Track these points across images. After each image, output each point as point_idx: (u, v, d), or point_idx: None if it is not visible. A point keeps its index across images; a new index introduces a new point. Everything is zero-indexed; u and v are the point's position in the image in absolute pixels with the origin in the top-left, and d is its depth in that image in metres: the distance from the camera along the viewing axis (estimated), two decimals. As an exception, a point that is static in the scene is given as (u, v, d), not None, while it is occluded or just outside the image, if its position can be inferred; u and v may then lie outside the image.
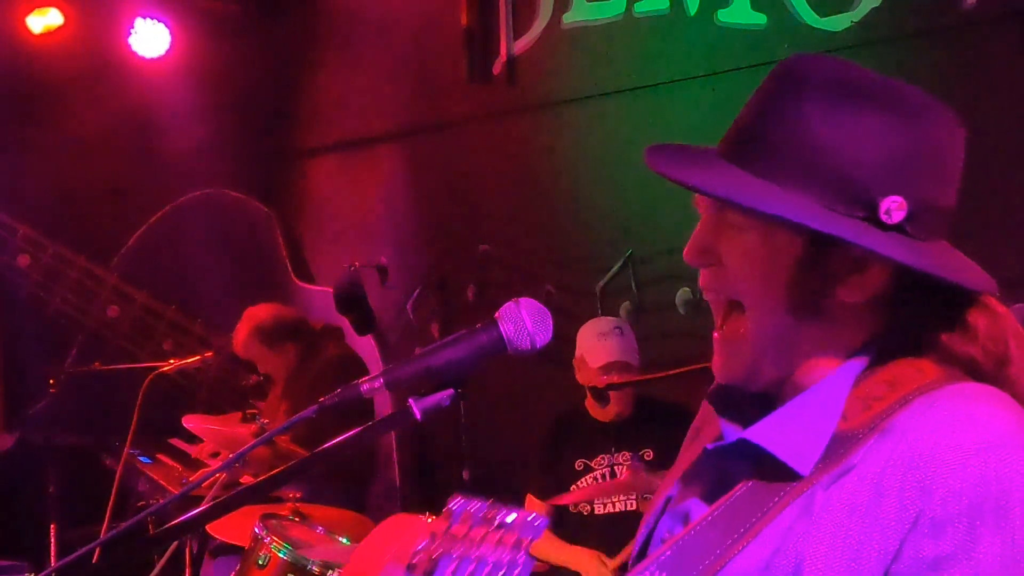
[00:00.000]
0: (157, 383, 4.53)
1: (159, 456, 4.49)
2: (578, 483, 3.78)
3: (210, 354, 4.97)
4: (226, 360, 5.22)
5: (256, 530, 3.06)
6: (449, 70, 5.17)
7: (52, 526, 4.71)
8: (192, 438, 4.34)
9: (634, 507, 3.66)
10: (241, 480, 3.82)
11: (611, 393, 3.72)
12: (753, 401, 1.18)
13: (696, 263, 1.20)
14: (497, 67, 5.04)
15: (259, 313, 4.52)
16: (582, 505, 3.77)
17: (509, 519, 1.00)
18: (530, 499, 3.90)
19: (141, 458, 4.45)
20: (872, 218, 1.09)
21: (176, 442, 4.52)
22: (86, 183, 5.45)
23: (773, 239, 1.13)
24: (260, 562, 3.00)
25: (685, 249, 1.20)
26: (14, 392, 5.47)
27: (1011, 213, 3.68)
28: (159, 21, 5.35)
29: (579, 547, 3.66)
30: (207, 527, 3.23)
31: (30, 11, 5.19)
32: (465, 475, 3.75)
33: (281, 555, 2.97)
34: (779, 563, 1.07)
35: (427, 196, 5.39)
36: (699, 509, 1.20)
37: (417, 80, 5.37)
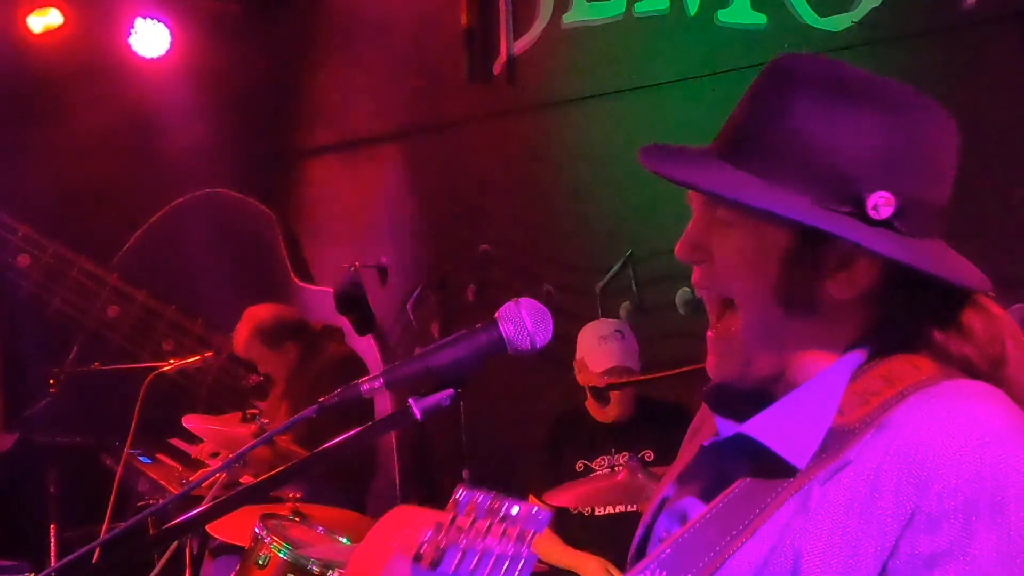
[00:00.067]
0: (157, 383, 4.53)
1: (159, 456, 4.49)
2: (578, 484, 3.78)
3: (210, 354, 4.98)
4: (226, 360, 5.22)
5: (256, 530, 3.06)
6: (449, 70, 5.17)
7: (52, 526, 4.72)
8: (192, 438, 4.34)
9: (635, 508, 3.66)
10: (241, 480, 3.82)
11: (611, 394, 3.72)
12: (749, 400, 1.18)
13: (687, 259, 1.21)
14: (497, 67, 5.04)
15: (259, 313, 4.52)
16: (582, 506, 3.76)
17: (513, 511, 1.00)
18: (531, 500, 3.90)
19: (141, 458, 4.45)
20: (859, 214, 1.10)
21: (176, 442, 4.52)
22: (86, 183, 5.45)
23: (762, 235, 1.14)
24: (260, 562, 3.00)
25: (677, 246, 1.21)
26: (14, 392, 5.47)
27: (1011, 213, 3.68)
28: (159, 21, 5.36)
29: (586, 553, 3.64)
30: (207, 527, 3.23)
31: (30, 11, 5.20)
32: (465, 475, 3.75)
33: (281, 555, 2.97)
34: (777, 560, 1.07)
35: (427, 196, 5.39)
36: (696, 508, 1.20)
37: (417, 80, 5.37)
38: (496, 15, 5.02)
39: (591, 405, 3.85)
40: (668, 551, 1.13)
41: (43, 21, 5.21)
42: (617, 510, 3.72)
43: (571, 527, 3.76)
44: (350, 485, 4.21)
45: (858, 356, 1.15)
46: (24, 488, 4.92)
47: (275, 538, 3.01)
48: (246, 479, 3.81)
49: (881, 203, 1.09)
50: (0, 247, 5.46)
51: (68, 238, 5.56)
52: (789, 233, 1.13)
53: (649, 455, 3.70)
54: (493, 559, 0.98)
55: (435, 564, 0.96)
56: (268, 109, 5.91)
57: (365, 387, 1.25)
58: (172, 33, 5.38)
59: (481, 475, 3.80)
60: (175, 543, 3.96)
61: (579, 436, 3.86)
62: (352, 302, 5.01)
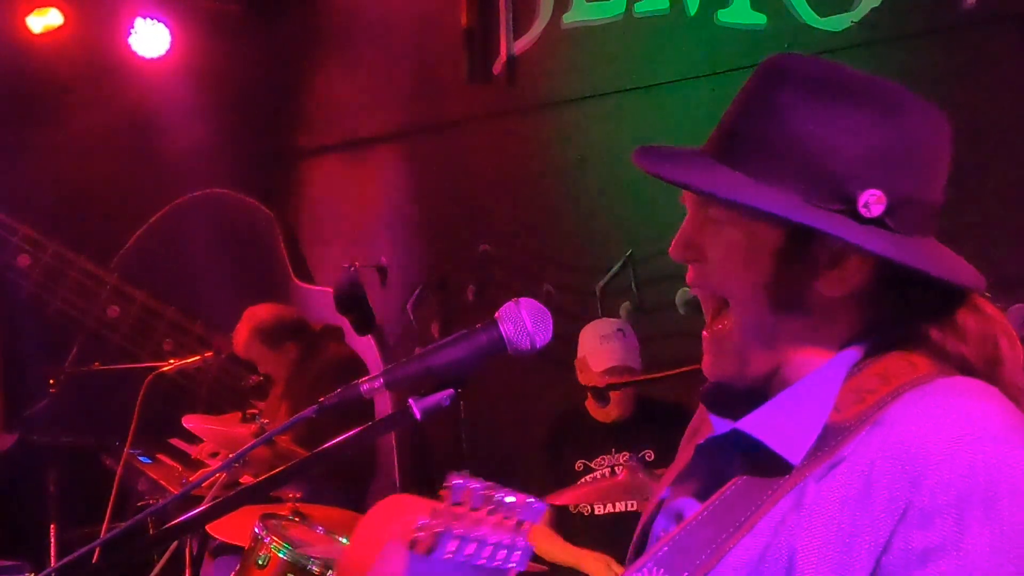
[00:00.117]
0: (157, 383, 4.53)
1: (159, 456, 4.49)
2: (578, 483, 3.78)
3: (210, 354, 4.97)
4: (226, 360, 5.22)
5: (256, 530, 3.06)
6: (449, 70, 5.17)
7: (52, 526, 4.72)
8: (192, 438, 4.34)
9: (635, 507, 3.66)
10: (241, 480, 3.82)
11: (612, 394, 3.72)
12: (745, 399, 1.19)
13: (680, 258, 1.22)
14: (497, 67, 5.04)
15: (259, 313, 4.52)
16: (582, 506, 3.76)
17: (509, 500, 1.00)
18: (530, 499, 3.90)
19: (141, 458, 4.45)
20: (850, 211, 1.11)
21: (176, 442, 4.52)
22: (86, 183, 5.45)
23: (753, 233, 1.15)
24: (260, 562, 3.00)
25: (671, 245, 1.21)
26: (14, 392, 5.47)
27: (1011, 213, 3.68)
28: (159, 21, 5.35)
29: (587, 550, 3.65)
30: (207, 527, 3.23)
31: (30, 11, 5.19)
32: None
33: (281, 555, 2.96)
34: (772, 556, 1.08)
35: (427, 196, 5.39)
36: (692, 507, 1.21)
37: (417, 80, 5.37)
38: (496, 15, 5.02)
39: (591, 405, 3.85)
40: (665, 549, 1.13)
41: (43, 21, 5.21)
42: (617, 509, 3.72)
43: (572, 526, 3.77)
44: (350, 485, 4.20)
45: (854, 353, 1.16)
46: (24, 488, 4.92)
47: (275, 538, 3.01)
48: (246, 479, 3.81)
49: (872, 201, 1.10)
50: (0, 247, 5.46)
51: (68, 238, 5.55)
52: (781, 231, 1.13)
53: (649, 455, 3.70)
54: (490, 547, 0.98)
55: (430, 551, 0.96)
56: (268, 109, 5.91)
57: (365, 387, 1.25)
58: (172, 33, 5.38)
59: (481, 475, 3.80)
60: (175, 543, 3.96)
61: (579, 436, 3.87)
62: (352, 302, 5.00)
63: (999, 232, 3.62)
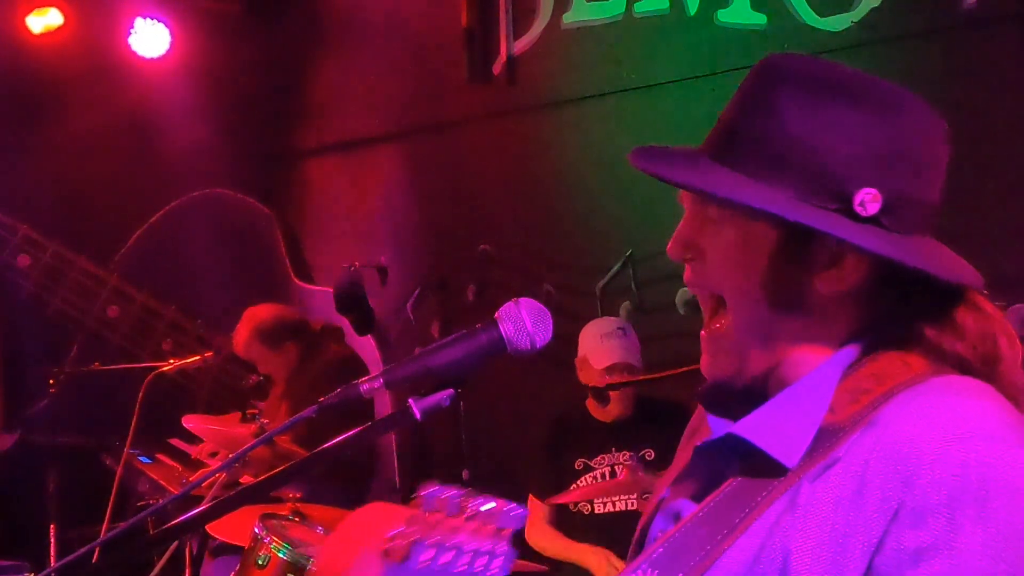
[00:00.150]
0: (157, 383, 4.52)
1: (159, 456, 4.48)
2: (578, 482, 3.78)
3: (210, 354, 4.97)
4: (226, 360, 5.22)
5: (256, 530, 3.06)
6: (449, 70, 5.17)
7: (52, 526, 4.71)
8: (192, 438, 4.34)
9: (634, 506, 3.66)
10: (241, 480, 3.82)
11: (612, 393, 3.73)
12: (743, 399, 1.19)
13: (678, 257, 1.22)
14: (497, 67, 5.04)
15: (260, 313, 4.52)
16: (582, 504, 3.77)
17: (486, 508, 0.99)
18: (531, 499, 3.90)
19: (141, 458, 4.45)
20: (846, 210, 1.11)
21: (176, 442, 4.51)
22: (86, 183, 5.45)
23: (750, 232, 1.15)
24: (260, 562, 2.99)
25: (668, 244, 1.22)
26: (14, 392, 5.47)
27: (1011, 213, 3.68)
28: (159, 21, 5.35)
29: (587, 545, 3.66)
30: (207, 527, 3.23)
31: (30, 11, 5.19)
32: (465, 475, 3.75)
33: (281, 555, 2.96)
34: (767, 557, 1.08)
35: (427, 196, 5.39)
36: (690, 508, 1.21)
37: (417, 80, 5.37)
38: (496, 15, 5.02)
39: (592, 404, 3.86)
40: (660, 551, 1.13)
41: (43, 21, 5.21)
42: (617, 508, 3.72)
43: (571, 524, 3.77)
44: (350, 485, 4.20)
45: (851, 353, 1.16)
46: (24, 488, 4.92)
47: (275, 538, 3.00)
48: (246, 479, 3.81)
49: (868, 199, 1.10)
50: (0, 247, 5.46)
51: (68, 238, 5.55)
52: (777, 230, 1.14)
53: (650, 454, 3.71)
54: (468, 555, 0.97)
55: (405, 559, 0.96)
56: (268, 109, 5.91)
57: (365, 387, 1.25)
58: (172, 33, 5.38)
59: (481, 475, 3.81)
60: (175, 543, 3.96)
61: (580, 435, 3.87)
62: (352, 302, 5.00)
63: (999, 232, 3.62)
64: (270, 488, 1.50)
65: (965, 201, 3.49)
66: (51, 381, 5.14)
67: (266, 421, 3.90)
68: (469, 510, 0.99)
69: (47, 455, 4.93)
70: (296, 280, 5.81)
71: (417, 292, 5.29)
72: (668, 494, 1.28)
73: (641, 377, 3.72)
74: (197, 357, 4.94)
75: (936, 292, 1.14)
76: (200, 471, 4.20)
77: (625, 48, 4.70)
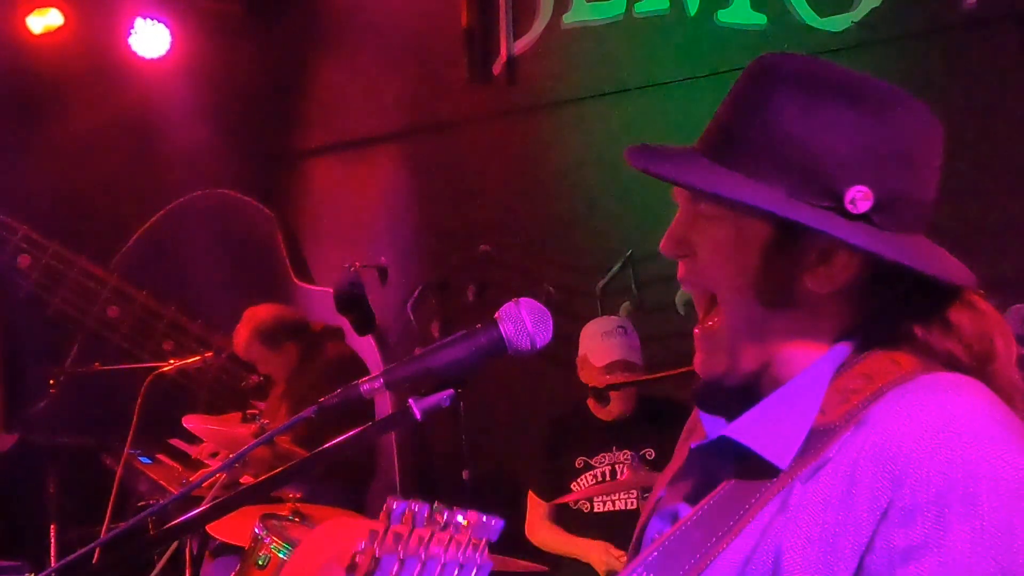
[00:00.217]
0: (157, 383, 4.53)
1: (159, 456, 4.49)
2: (578, 481, 3.79)
3: (210, 354, 4.97)
4: (226, 360, 5.22)
5: (256, 530, 3.06)
6: (449, 70, 5.17)
7: (52, 526, 4.71)
8: (192, 438, 4.34)
9: (634, 505, 3.67)
10: (241, 480, 3.82)
11: (612, 393, 3.73)
12: (737, 397, 1.19)
13: (671, 254, 1.22)
14: (497, 67, 5.04)
15: (260, 313, 4.52)
16: (582, 503, 3.77)
17: (460, 519, 0.98)
18: (531, 496, 3.91)
19: (141, 458, 4.45)
20: (838, 208, 1.11)
21: (176, 442, 4.51)
22: (86, 183, 5.45)
23: (742, 228, 1.16)
24: (260, 562, 2.99)
25: (661, 241, 1.22)
26: (14, 392, 5.47)
27: (1011, 213, 3.68)
28: (159, 21, 5.35)
29: (586, 539, 3.67)
30: (207, 527, 3.23)
31: (30, 11, 5.19)
32: (465, 475, 3.75)
33: (281, 555, 2.96)
34: (759, 558, 1.08)
35: (427, 196, 5.39)
36: (686, 509, 1.21)
37: (417, 80, 5.37)
38: (496, 15, 5.02)
39: (592, 403, 3.86)
40: (655, 554, 1.14)
41: (43, 21, 5.20)
42: (617, 507, 3.73)
43: (571, 523, 3.78)
44: (350, 485, 4.20)
45: (843, 351, 1.16)
46: (24, 488, 4.92)
47: (275, 538, 3.00)
48: (246, 479, 3.81)
49: (859, 197, 1.10)
50: (0, 247, 5.46)
51: (68, 238, 5.55)
52: (768, 227, 1.14)
53: (650, 453, 3.71)
54: (439, 567, 0.96)
55: (369, 574, 0.95)
56: (268, 109, 5.91)
57: (365, 387, 1.25)
58: (172, 33, 5.38)
59: (481, 475, 3.80)
60: (175, 543, 3.96)
61: (580, 434, 3.87)
62: (352, 302, 5.00)
63: (999, 232, 3.62)
64: (270, 488, 1.50)
65: (965, 201, 3.49)
66: (51, 381, 5.15)
67: (266, 421, 3.90)
68: (441, 522, 0.98)
69: (47, 455, 4.92)
70: (296, 280, 5.81)
71: (417, 292, 5.29)
72: (665, 494, 1.29)
73: (641, 377, 3.73)
74: (197, 357, 4.95)
75: (929, 291, 1.14)
76: (200, 471, 4.20)
77: (625, 48, 4.70)
